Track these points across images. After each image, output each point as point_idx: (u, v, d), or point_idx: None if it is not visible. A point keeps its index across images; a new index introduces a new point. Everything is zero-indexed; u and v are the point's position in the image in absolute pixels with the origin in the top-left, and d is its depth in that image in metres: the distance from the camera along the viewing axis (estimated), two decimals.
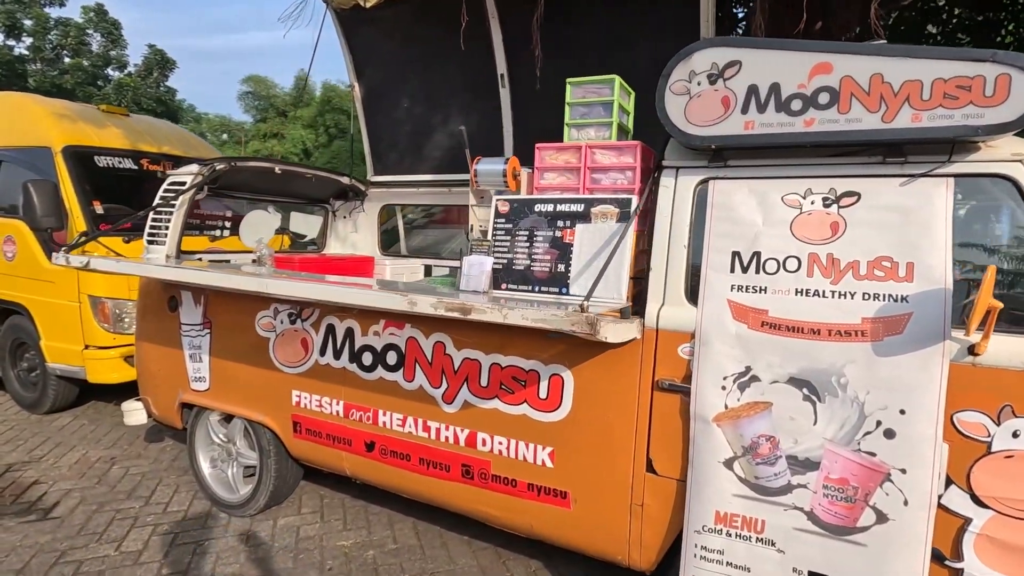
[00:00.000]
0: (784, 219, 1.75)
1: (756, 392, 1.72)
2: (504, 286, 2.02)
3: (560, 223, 1.94)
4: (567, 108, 2.12)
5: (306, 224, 4.41)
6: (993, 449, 1.49)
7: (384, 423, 2.44)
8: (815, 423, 1.65)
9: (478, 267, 1.98)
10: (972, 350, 1.50)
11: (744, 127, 1.75)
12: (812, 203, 1.73)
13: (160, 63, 27.11)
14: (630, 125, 2.32)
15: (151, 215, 3.15)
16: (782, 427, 1.69)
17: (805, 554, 1.67)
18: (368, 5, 3.56)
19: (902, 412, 1.55)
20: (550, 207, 1.96)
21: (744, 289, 1.75)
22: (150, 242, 3.12)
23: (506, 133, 3.80)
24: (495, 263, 2.03)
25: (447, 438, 2.28)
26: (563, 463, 2.05)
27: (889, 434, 1.56)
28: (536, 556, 2.67)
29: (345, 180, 4.19)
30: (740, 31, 6.00)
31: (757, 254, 1.76)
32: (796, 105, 1.68)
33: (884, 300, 1.58)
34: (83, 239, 3.31)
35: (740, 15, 6.08)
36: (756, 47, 1.73)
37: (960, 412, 1.52)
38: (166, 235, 3.06)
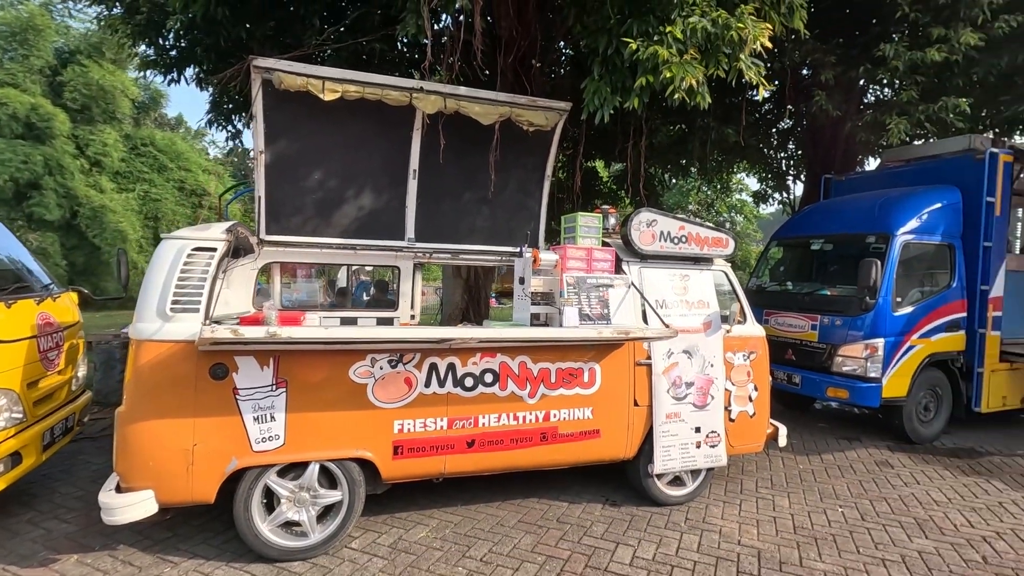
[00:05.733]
0: (671, 286, 4.21)
1: (674, 358, 4.10)
2: (580, 324, 3.69)
3: (602, 290, 3.80)
4: (577, 227, 4.00)
5: None
6: (735, 364, 4.34)
7: (483, 424, 3.60)
8: (691, 367, 4.16)
9: (573, 313, 3.60)
10: (728, 330, 4.31)
11: (661, 247, 4.13)
12: (677, 278, 4.26)
13: None
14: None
15: (176, 282, 3.03)
16: (683, 371, 4.13)
17: (693, 420, 4.14)
18: (327, 99, 4.18)
19: (714, 356, 4.23)
20: (596, 281, 3.79)
21: (666, 315, 4.11)
22: (175, 310, 3.02)
23: (408, 212, 4.95)
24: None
25: (530, 420, 3.71)
26: (598, 414, 3.88)
27: (712, 366, 4.22)
28: (534, 495, 4.26)
29: (254, 238, 4.33)
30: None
31: (664, 300, 4.16)
32: (676, 240, 4.18)
33: (704, 315, 4.24)
34: None
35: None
36: (662, 215, 4.14)
37: (726, 353, 4.31)
38: (198, 302, 3.07)
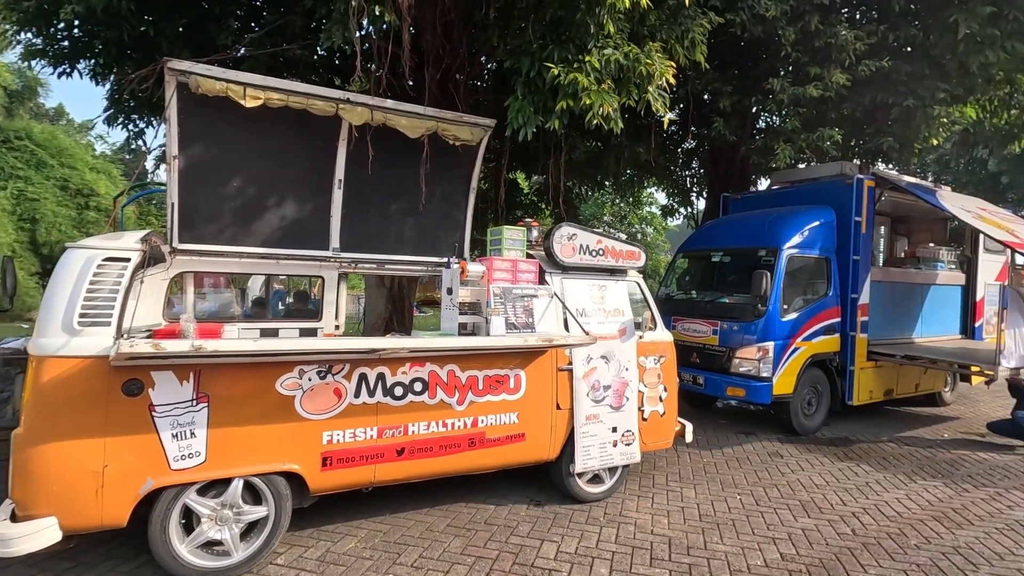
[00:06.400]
0: (590, 295, 4.50)
1: (593, 363, 4.38)
2: (507, 332, 3.85)
3: (526, 300, 3.99)
4: (503, 239, 4.18)
5: None
6: (647, 367, 4.70)
7: (413, 431, 3.67)
8: (608, 371, 4.46)
9: (500, 322, 3.75)
10: (641, 336, 4.67)
11: (580, 260, 4.41)
12: (595, 288, 4.56)
13: None
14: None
15: (84, 294, 2.88)
16: (601, 375, 4.42)
17: (610, 420, 4.44)
18: (249, 106, 4.08)
19: (629, 361, 4.56)
20: (521, 291, 3.98)
21: (586, 323, 4.38)
22: (84, 324, 2.87)
23: (333, 222, 4.91)
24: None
25: (458, 426, 3.82)
26: (523, 418, 4.07)
27: (627, 370, 4.55)
28: (465, 501, 4.37)
29: (167, 248, 4.14)
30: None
31: (584, 308, 4.44)
32: (594, 253, 4.48)
33: (620, 323, 4.57)
34: None
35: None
36: (581, 229, 4.43)
37: (639, 357, 4.66)
38: (109, 315, 2.95)
